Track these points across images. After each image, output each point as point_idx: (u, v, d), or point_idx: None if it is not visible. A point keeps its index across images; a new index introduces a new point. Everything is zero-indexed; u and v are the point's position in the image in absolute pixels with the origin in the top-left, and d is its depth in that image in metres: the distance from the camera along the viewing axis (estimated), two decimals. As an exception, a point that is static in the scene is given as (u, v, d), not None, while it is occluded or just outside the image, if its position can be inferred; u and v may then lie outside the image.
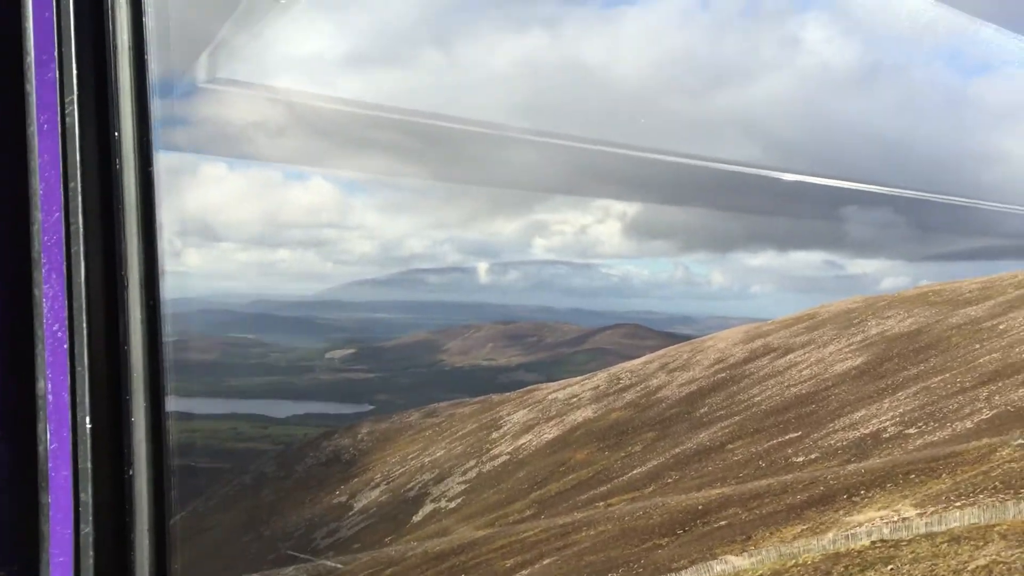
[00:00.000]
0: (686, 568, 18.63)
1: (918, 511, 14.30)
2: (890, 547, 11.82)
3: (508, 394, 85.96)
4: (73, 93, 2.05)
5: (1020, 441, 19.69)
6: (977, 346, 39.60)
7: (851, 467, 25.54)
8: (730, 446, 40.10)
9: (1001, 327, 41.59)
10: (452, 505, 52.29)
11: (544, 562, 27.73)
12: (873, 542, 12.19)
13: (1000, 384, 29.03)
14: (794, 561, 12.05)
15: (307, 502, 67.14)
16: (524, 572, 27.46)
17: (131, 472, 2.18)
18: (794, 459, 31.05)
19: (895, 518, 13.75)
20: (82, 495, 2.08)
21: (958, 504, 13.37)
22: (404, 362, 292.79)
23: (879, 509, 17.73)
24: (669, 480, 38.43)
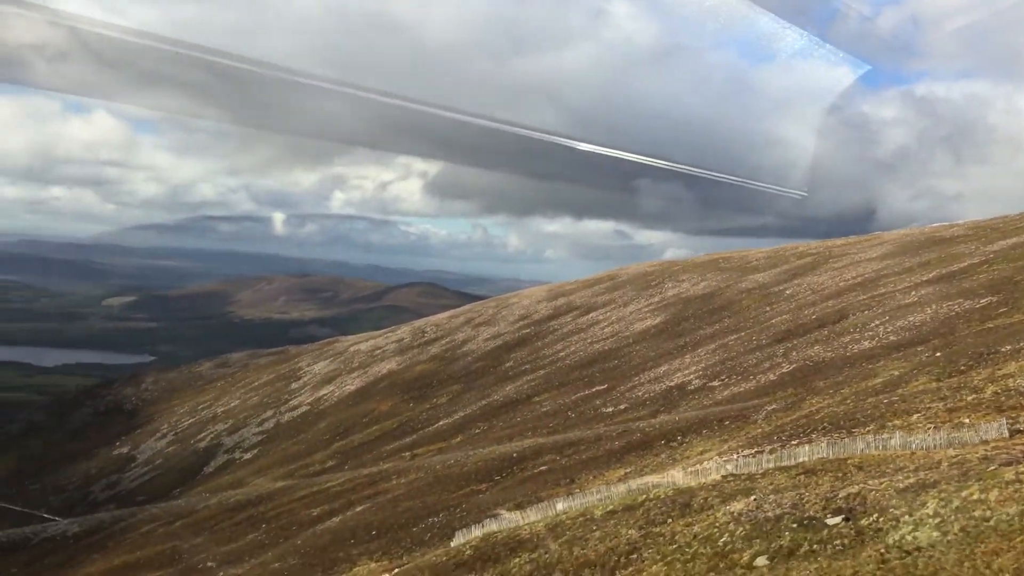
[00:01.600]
0: (512, 510, 18.49)
1: (749, 451, 14.78)
2: (744, 480, 12.05)
3: (307, 345, 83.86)
4: None
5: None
6: (767, 308, 42.12)
7: (663, 417, 26.39)
8: (537, 399, 40.67)
9: (788, 292, 44.44)
10: (248, 456, 50.22)
11: (356, 509, 26.95)
12: (724, 476, 12.39)
13: (795, 342, 30.95)
14: (644, 496, 12.04)
15: (83, 454, 62.63)
16: (335, 519, 26.57)
17: None
18: (603, 409, 31.81)
19: (733, 457, 14.12)
20: None
21: (795, 443, 13.90)
22: (190, 312, 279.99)
23: (701, 452, 18.29)
24: (477, 431, 38.51)
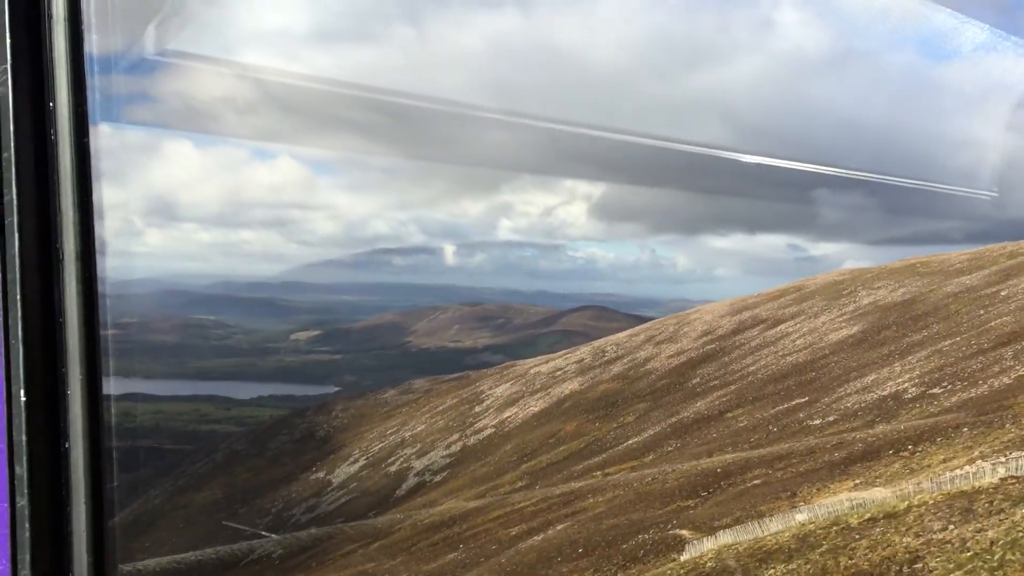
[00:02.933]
0: (730, 526, 17.38)
1: (1008, 454, 13.19)
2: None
3: (486, 370, 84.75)
4: (7, 62, 2.04)
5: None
6: (982, 311, 38.90)
7: (881, 427, 24.49)
8: (730, 414, 39.07)
9: (1003, 293, 40.95)
10: (438, 479, 50.83)
11: (557, 528, 26.39)
12: (1003, 479, 11.03)
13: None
14: (907, 503, 10.88)
15: (282, 479, 65.34)
16: (536, 538, 26.09)
17: (67, 445, 2.15)
18: (809, 422, 30.00)
19: (1002, 460, 12.62)
20: (17, 468, 2.07)
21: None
22: (370, 344, 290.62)
23: (944, 460, 16.59)
24: (670, 448, 37.30)
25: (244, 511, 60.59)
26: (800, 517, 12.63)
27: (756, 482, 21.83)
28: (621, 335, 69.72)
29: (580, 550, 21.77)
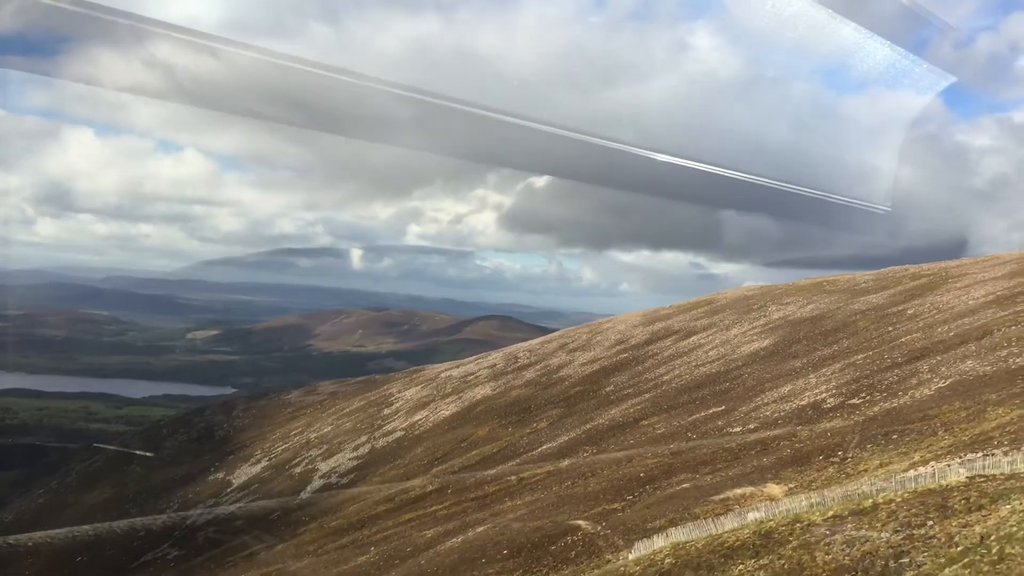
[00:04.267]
0: (667, 526, 17.03)
1: (962, 457, 13.11)
2: (1005, 480, 10.45)
3: (395, 373, 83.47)
4: None
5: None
6: (890, 328, 39.91)
7: (805, 434, 24.61)
8: (646, 422, 39.05)
9: (910, 312, 42.16)
10: (345, 480, 49.40)
11: (477, 530, 25.65)
12: (972, 477, 10.85)
13: (938, 358, 28.84)
14: (872, 500, 10.60)
15: (179, 480, 62.74)
16: (455, 539, 25.29)
17: None
18: (729, 430, 30.07)
19: (956, 461, 12.50)
20: None
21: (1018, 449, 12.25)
22: (270, 345, 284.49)
23: (881, 465, 16.58)
24: (586, 454, 37.00)
25: (136, 511, 57.89)
26: (755, 515, 12.30)
27: (684, 486, 21.59)
28: (533, 342, 69.50)
29: (505, 551, 21.12)
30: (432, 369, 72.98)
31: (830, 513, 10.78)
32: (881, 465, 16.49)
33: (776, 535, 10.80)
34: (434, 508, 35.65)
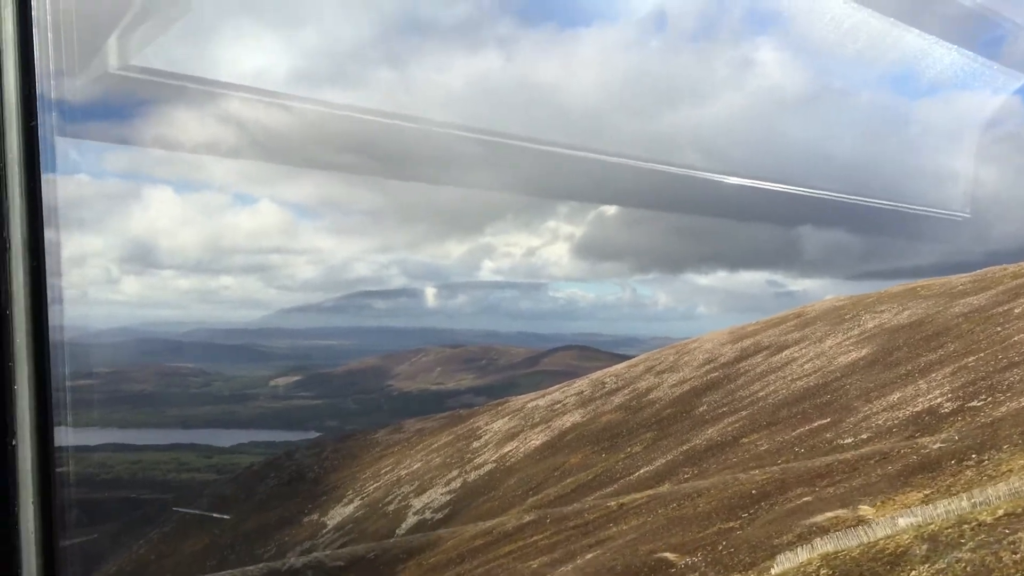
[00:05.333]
0: (794, 543, 16.11)
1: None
2: None
3: (478, 407, 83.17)
4: None
5: None
6: (999, 328, 38.08)
7: (926, 439, 23.35)
8: (746, 439, 37.82)
9: (1017, 311, 40.21)
10: (439, 516, 49.05)
11: (586, 557, 24.93)
12: None
13: (1061, 353, 27.30)
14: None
15: (273, 524, 63.18)
16: (565, 567, 24.59)
17: (14, 443, 2.05)
18: (839, 441, 28.82)
19: None
20: None
21: None
22: (351, 388, 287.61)
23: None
24: (687, 475, 35.93)
25: (234, 557, 58.34)
26: (907, 521, 11.43)
27: (806, 499, 20.57)
28: (619, 366, 68.49)
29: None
30: (517, 400, 72.42)
31: (1000, 512, 9.91)
32: (1027, 466, 15.36)
33: (943, 538, 9.95)
34: (534, 538, 34.91)
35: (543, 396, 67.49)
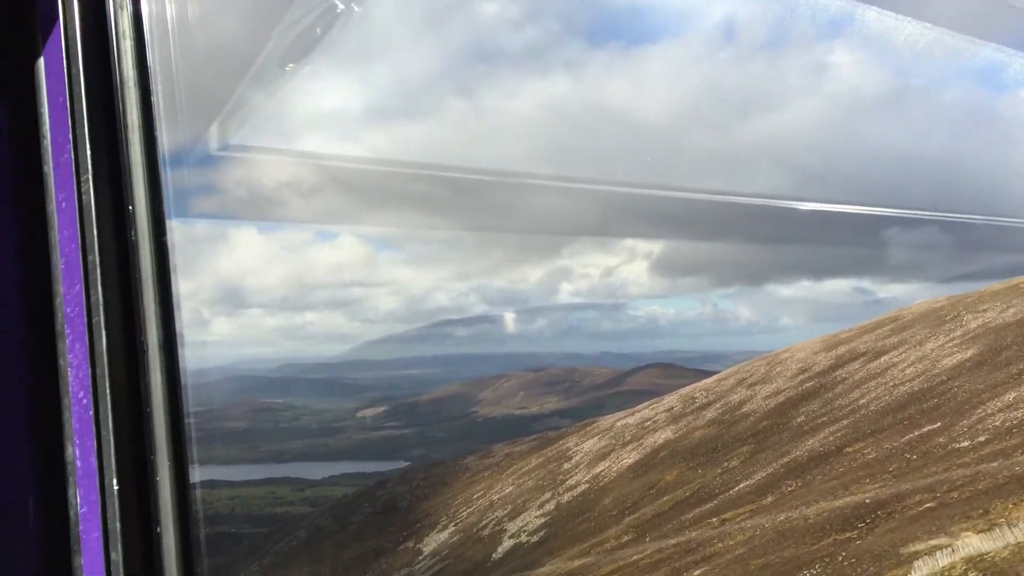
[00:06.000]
0: (926, 551, 15.18)
1: None
2: None
3: (566, 428, 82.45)
4: (88, 172, 2.15)
5: None
6: (1120, 321, 35.98)
7: (1057, 437, 22.02)
8: (850, 448, 36.42)
9: None
10: (535, 539, 48.41)
11: (694, 573, 24.13)
12: None
13: None
14: None
15: (370, 553, 63.41)
16: (674, 586, 23.83)
17: (159, 530, 2.21)
18: (954, 445, 27.42)
19: None
20: (112, 555, 2.14)
21: None
22: (436, 416, 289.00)
23: None
24: (791, 488, 34.69)
25: (333, 587, 58.69)
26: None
27: (928, 505, 19.47)
28: (708, 381, 67.03)
29: (734, 593, 19.56)
30: (606, 420, 71.42)
31: None
32: None
33: (1110, 534, 9.12)
34: (635, 558, 34.11)
35: (632, 414, 66.39)
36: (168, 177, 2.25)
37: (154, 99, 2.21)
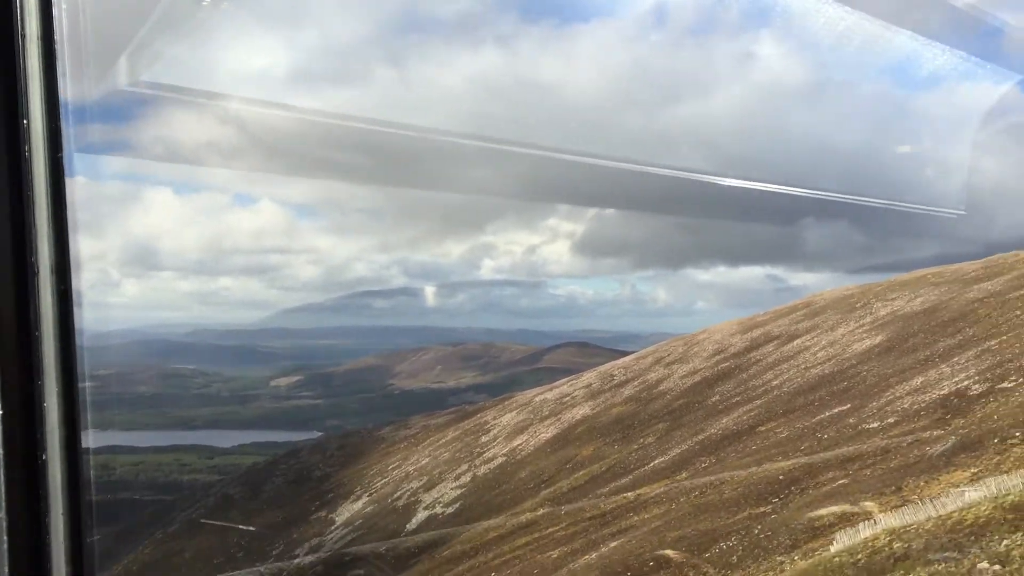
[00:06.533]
0: (852, 520, 15.57)
1: None
2: None
3: (485, 402, 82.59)
4: None
5: None
6: (1019, 312, 37.54)
7: (960, 421, 22.81)
8: (763, 428, 37.28)
9: (1035, 294, 39.64)
10: (450, 510, 48.43)
11: (611, 544, 24.35)
12: None
13: (1092, 333, 26.71)
14: None
15: (281, 522, 62.56)
16: (590, 555, 24.01)
17: (44, 457, 2.18)
18: (865, 426, 28.26)
19: None
20: None
21: None
22: (352, 387, 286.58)
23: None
24: (704, 465, 35.37)
25: (242, 555, 57.74)
26: (977, 495, 10.85)
27: (841, 482, 20.01)
28: (627, 359, 67.91)
29: (651, 564, 19.78)
30: (525, 394, 71.81)
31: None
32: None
33: (1029, 506, 9.42)
34: (550, 530, 34.33)
35: (551, 389, 66.89)
36: (68, 94, 2.19)
37: (55, 11, 2.16)
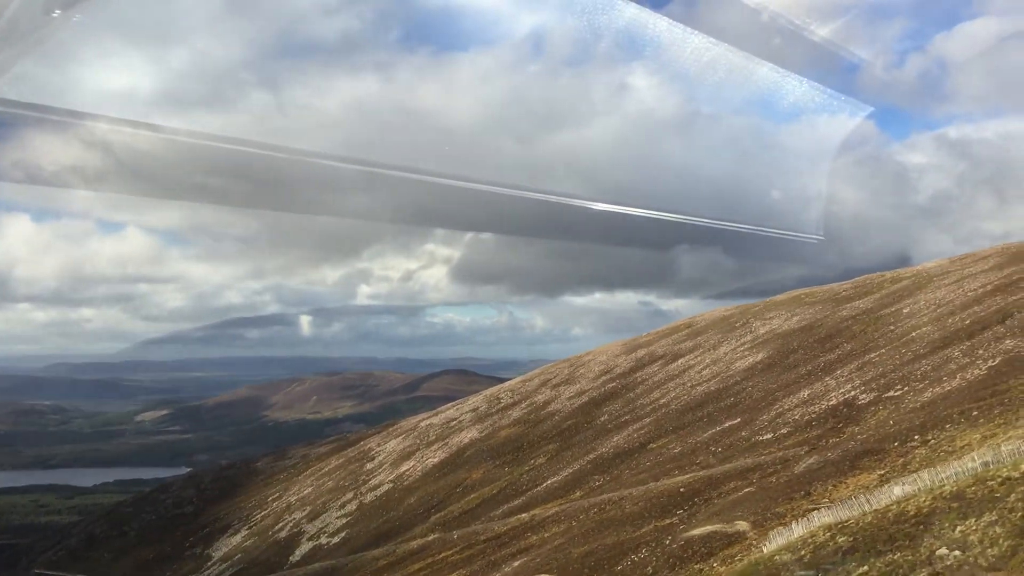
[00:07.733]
0: (768, 523, 15.46)
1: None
2: None
3: (368, 429, 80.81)
4: None
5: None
6: (891, 327, 39.08)
7: (854, 428, 23.29)
8: (654, 444, 37.43)
9: (906, 311, 41.43)
10: (336, 540, 46.69)
11: (513, 564, 23.68)
12: None
13: (967, 344, 27.84)
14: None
15: (153, 560, 59.16)
16: (498, 574, 23.29)
17: None
18: (757, 438, 28.62)
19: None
20: None
21: None
22: (224, 420, 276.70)
23: (984, 437, 15.23)
24: (598, 483, 35.18)
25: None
26: (904, 489, 10.78)
27: (748, 490, 20.01)
28: (514, 382, 67.65)
29: (561, 580, 19.26)
30: (410, 420, 70.57)
31: (1005, 473, 9.36)
32: (985, 438, 15.13)
33: (971, 495, 9.34)
34: (444, 555, 33.45)
35: (437, 415, 65.91)
36: None
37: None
